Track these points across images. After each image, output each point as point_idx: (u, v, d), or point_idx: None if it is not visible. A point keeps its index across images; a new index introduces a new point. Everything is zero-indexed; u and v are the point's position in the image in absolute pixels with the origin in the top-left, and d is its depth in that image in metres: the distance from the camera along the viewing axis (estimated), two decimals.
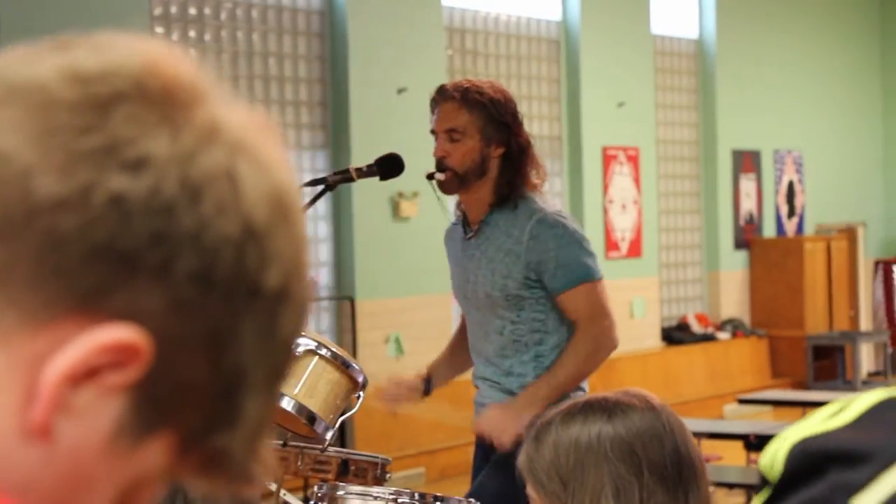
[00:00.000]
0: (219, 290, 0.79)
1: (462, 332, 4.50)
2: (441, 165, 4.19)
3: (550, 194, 12.02)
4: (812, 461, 0.97)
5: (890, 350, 16.63)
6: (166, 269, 0.77)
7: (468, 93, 4.15)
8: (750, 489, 8.12)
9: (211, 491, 0.85)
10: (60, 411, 0.76)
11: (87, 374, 0.76)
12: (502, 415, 3.94)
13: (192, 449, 0.81)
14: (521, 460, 2.18)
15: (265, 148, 0.84)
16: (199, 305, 0.78)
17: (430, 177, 4.23)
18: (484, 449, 4.18)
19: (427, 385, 4.37)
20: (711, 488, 2.22)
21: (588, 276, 4.08)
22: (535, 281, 4.10)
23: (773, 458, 1.01)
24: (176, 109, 0.81)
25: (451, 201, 4.47)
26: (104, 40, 0.84)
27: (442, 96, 4.20)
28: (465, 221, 4.31)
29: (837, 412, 1.01)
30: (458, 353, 4.49)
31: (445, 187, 4.21)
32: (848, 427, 0.98)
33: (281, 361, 0.84)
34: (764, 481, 1.04)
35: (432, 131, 4.25)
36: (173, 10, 10.47)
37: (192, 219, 0.78)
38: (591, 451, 2.14)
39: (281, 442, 3.29)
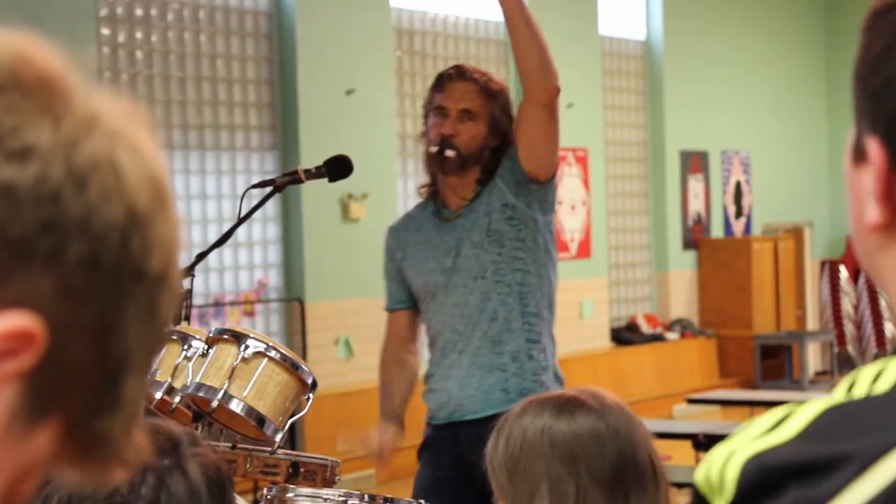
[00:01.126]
0: (106, 276, 0.80)
1: (396, 352, 4.44)
2: (447, 142, 4.15)
3: None
4: (769, 477, 0.93)
5: (837, 349, 16.77)
6: (57, 256, 0.78)
7: (490, 81, 4.23)
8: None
9: (84, 477, 0.85)
10: None
11: None
12: None
13: (75, 435, 0.82)
14: (486, 451, 2.19)
15: (139, 135, 0.86)
16: (88, 291, 0.79)
17: (440, 152, 4.16)
18: (442, 460, 4.16)
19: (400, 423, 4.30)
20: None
21: None
22: (509, 195, 4.13)
23: (721, 475, 0.96)
24: (54, 99, 0.82)
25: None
26: None
27: (461, 77, 4.24)
28: (440, 205, 4.27)
29: (779, 423, 0.97)
30: (401, 381, 4.42)
31: (448, 166, 4.18)
32: (798, 439, 0.95)
33: (157, 342, 0.86)
34: (700, 499, 0.99)
35: (437, 107, 4.20)
36: (119, 11, 10.41)
37: (80, 206, 0.79)
38: (534, 447, 2.14)
39: (230, 444, 3.28)
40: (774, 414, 0.99)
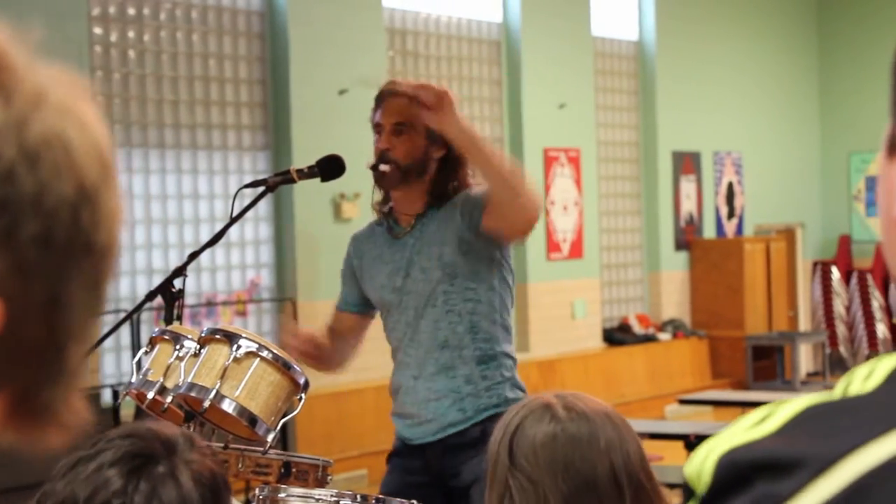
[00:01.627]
0: (58, 252, 0.80)
1: (334, 333, 4.44)
2: (385, 157, 4.15)
3: None
4: (739, 472, 0.95)
5: (828, 350, 16.79)
6: (10, 234, 0.78)
7: (422, 91, 4.12)
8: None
9: (21, 441, 0.86)
10: None
11: None
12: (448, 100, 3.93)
13: (22, 405, 0.82)
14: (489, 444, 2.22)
15: (85, 109, 0.86)
16: (41, 267, 0.80)
17: (374, 167, 4.17)
18: (410, 470, 4.17)
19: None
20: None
21: None
22: (467, 234, 4.10)
23: (701, 468, 0.99)
24: (2, 75, 0.82)
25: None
26: None
27: (391, 92, 4.19)
28: (391, 222, 4.29)
29: (762, 420, 0.99)
30: (333, 348, 4.42)
31: (386, 180, 4.18)
32: (774, 436, 0.97)
33: (97, 310, 0.87)
34: (689, 491, 1.02)
35: (376, 125, 4.21)
36: (112, 10, 10.40)
37: (32, 183, 0.79)
38: (511, 450, 2.15)
39: (222, 444, 3.27)
40: (759, 412, 1.01)
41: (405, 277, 4.20)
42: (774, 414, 1.00)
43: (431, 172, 4.17)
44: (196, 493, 1.66)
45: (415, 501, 3.31)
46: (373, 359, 12.14)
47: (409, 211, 4.22)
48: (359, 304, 4.42)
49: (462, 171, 4.19)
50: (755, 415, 1.01)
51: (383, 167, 4.15)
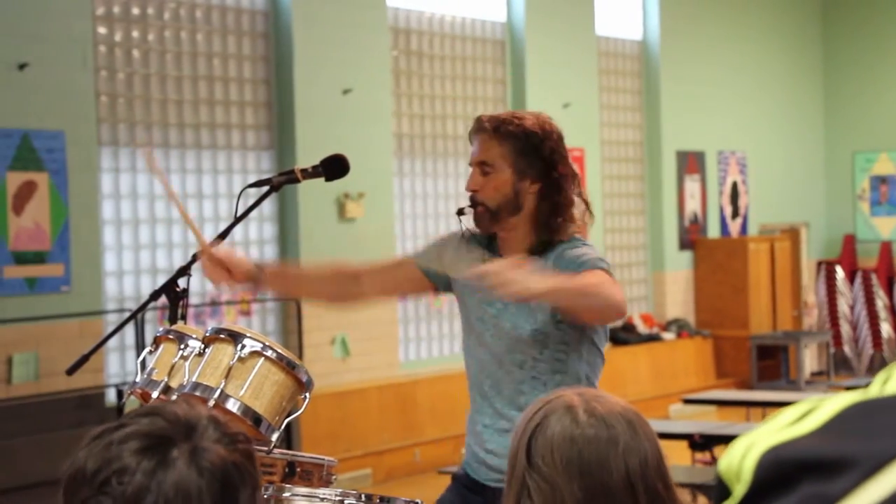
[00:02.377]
0: None
1: (344, 275, 4.22)
2: (473, 200, 3.96)
3: None
4: (784, 471, 0.94)
5: (833, 350, 16.78)
6: None
7: (502, 124, 3.96)
8: (695, 488, 8.15)
9: None
10: None
11: None
12: (513, 267, 3.56)
13: None
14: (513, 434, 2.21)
15: None
16: None
17: (461, 212, 3.99)
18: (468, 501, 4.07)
19: (257, 275, 4.02)
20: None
21: (598, 265, 3.83)
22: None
23: (740, 466, 0.98)
24: None
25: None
26: None
27: (477, 127, 3.99)
28: (494, 251, 4.02)
29: (803, 416, 0.98)
30: (316, 278, 4.25)
31: (479, 222, 3.97)
32: (818, 433, 0.95)
33: None
34: (722, 487, 1.00)
35: (470, 164, 4.01)
36: (116, 9, 10.41)
37: None
38: (529, 449, 2.14)
39: None
40: (799, 407, 0.99)
41: (496, 318, 3.98)
42: (816, 410, 0.98)
43: (531, 207, 3.96)
44: (201, 481, 1.64)
45: (419, 500, 3.31)
46: (377, 359, 12.13)
47: (517, 250, 3.95)
48: (432, 273, 4.14)
49: (562, 206, 3.98)
50: (795, 411, 1.00)
51: (468, 210, 3.97)
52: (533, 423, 2.16)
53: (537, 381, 3.93)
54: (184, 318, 3.68)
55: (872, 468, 0.89)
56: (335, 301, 4.42)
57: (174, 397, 3.25)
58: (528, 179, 3.94)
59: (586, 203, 4.07)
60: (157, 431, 1.65)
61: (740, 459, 0.98)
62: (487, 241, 4.08)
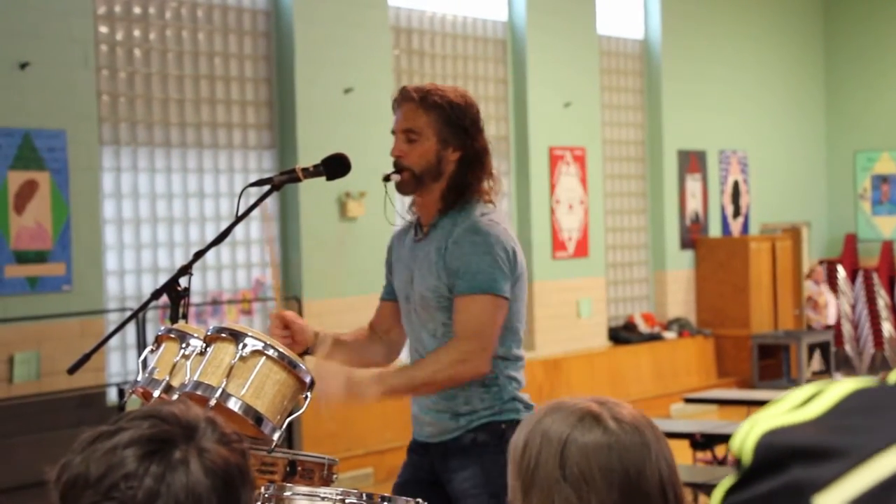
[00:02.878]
0: None
1: (371, 331, 4.47)
2: (398, 165, 4.17)
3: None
4: (776, 455, 0.97)
5: (834, 349, 16.77)
6: None
7: (428, 95, 4.15)
8: (696, 488, 8.15)
9: None
10: None
11: None
12: (343, 379, 3.88)
13: None
14: (510, 446, 2.20)
15: None
16: None
17: (387, 178, 4.21)
18: (420, 467, 4.21)
19: (316, 344, 4.22)
20: None
21: (489, 288, 4.04)
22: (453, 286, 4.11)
23: (742, 444, 1.02)
24: None
25: (400, 203, 4.46)
26: None
27: (403, 97, 4.21)
28: (417, 224, 4.30)
29: (807, 401, 1.01)
30: (365, 343, 4.44)
31: (402, 187, 4.21)
32: (816, 421, 0.98)
33: None
34: (736, 463, 1.04)
35: (392, 131, 4.23)
36: (117, 8, 10.41)
37: None
38: (547, 465, 2.13)
39: None
40: (806, 390, 1.03)
41: (413, 290, 4.23)
42: (820, 395, 1.01)
43: (448, 174, 4.17)
44: (207, 482, 1.64)
45: (420, 500, 3.31)
46: None
47: (428, 215, 4.23)
48: (395, 294, 4.43)
49: (476, 174, 4.18)
50: (802, 393, 1.03)
51: (395, 177, 4.18)
52: (559, 434, 2.13)
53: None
54: (185, 317, 3.68)
55: (861, 458, 0.92)
56: (392, 357, 4.56)
57: (176, 396, 3.25)
58: (451, 148, 4.15)
59: (492, 172, 4.27)
60: (158, 435, 1.65)
61: (743, 438, 1.03)
62: (417, 221, 4.32)
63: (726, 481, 1.05)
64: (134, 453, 1.63)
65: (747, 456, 1.00)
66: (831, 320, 16.78)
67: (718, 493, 1.06)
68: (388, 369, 4.08)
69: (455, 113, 4.16)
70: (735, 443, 1.03)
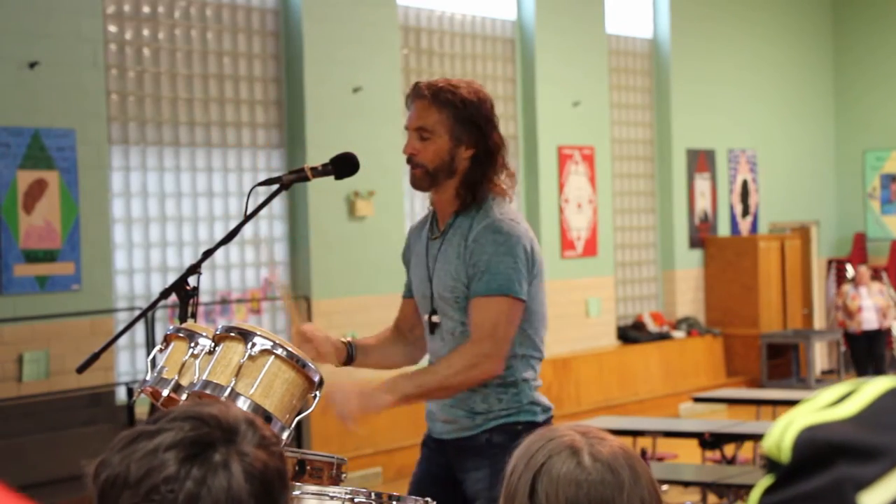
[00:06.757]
0: None
1: (396, 330, 4.47)
2: (412, 162, 4.17)
3: None
4: (819, 451, 0.97)
5: (843, 348, 16.75)
6: None
7: (440, 92, 4.13)
8: (705, 487, 8.15)
9: None
10: None
11: None
12: (355, 395, 3.89)
13: None
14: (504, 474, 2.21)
15: None
16: None
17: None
18: (435, 462, 4.21)
19: (350, 351, 4.25)
20: (665, 487, 2.21)
21: (506, 290, 4.04)
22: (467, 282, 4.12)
23: (780, 441, 1.01)
24: None
25: (420, 202, 4.46)
26: None
27: (415, 94, 4.18)
28: (433, 221, 4.29)
29: (843, 398, 1.01)
30: (389, 344, 4.44)
31: (416, 182, 4.19)
32: (855, 418, 0.98)
33: None
34: (770, 464, 1.03)
35: (406, 128, 4.23)
36: (126, 8, 10.42)
37: None
38: (532, 488, 2.15)
39: None
40: (839, 388, 1.03)
41: (431, 289, 4.22)
42: (856, 394, 1.01)
43: (462, 171, 4.15)
44: (247, 486, 1.64)
45: (429, 499, 3.31)
46: None
47: (444, 213, 4.22)
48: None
49: (491, 171, 4.16)
50: (835, 391, 1.03)
51: (412, 172, 4.16)
52: (536, 461, 2.17)
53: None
54: (194, 316, 3.68)
55: None
56: (417, 355, 4.53)
57: (184, 395, 3.26)
58: (463, 145, 4.13)
59: (508, 168, 4.25)
60: (200, 438, 1.65)
61: (780, 436, 1.02)
62: (433, 217, 4.29)
63: (764, 481, 1.04)
64: (175, 456, 1.63)
65: (786, 453, 0.99)
66: (868, 325, 15.94)
67: (756, 494, 1.05)
68: (400, 375, 4.06)
69: (467, 110, 4.13)
70: (770, 441, 1.03)
